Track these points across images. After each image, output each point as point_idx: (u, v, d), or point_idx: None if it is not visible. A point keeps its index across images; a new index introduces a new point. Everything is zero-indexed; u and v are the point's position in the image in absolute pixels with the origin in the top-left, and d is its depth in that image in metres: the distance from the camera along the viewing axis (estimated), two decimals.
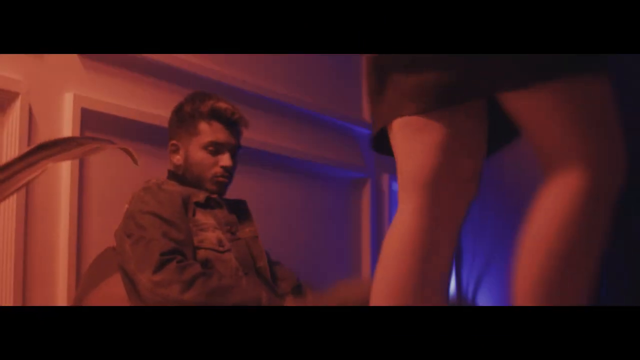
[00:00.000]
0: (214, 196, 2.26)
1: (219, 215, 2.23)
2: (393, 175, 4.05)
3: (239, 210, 2.38)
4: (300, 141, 3.42)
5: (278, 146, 3.25)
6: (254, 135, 3.12)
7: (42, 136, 2.24)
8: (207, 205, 2.23)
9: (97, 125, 2.42)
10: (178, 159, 2.30)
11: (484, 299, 3.90)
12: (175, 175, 2.31)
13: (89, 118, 2.39)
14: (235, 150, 2.31)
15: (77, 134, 2.32)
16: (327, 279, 3.53)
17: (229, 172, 2.28)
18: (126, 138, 2.50)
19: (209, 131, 2.27)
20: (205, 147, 2.27)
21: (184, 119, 2.30)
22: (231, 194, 2.77)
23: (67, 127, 2.30)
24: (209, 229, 2.16)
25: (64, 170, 2.29)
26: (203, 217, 2.17)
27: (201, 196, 2.23)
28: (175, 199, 2.14)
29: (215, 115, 2.26)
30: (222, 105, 2.27)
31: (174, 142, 2.32)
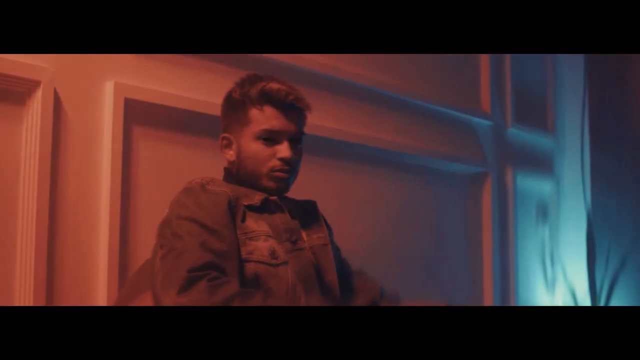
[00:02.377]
0: (273, 198, 1.90)
1: (277, 220, 1.87)
2: (519, 168, 3.68)
3: (306, 213, 2.01)
4: (410, 134, 3.04)
5: (385, 140, 2.87)
6: (360, 130, 2.78)
7: (74, 130, 1.97)
8: (263, 208, 1.87)
9: (142, 118, 2.13)
10: (231, 154, 1.95)
11: (619, 300, 3.53)
12: (230, 173, 1.97)
13: (133, 108, 2.09)
14: (297, 138, 1.94)
15: (120, 126, 2.03)
16: (443, 292, 3.16)
17: (289, 164, 1.90)
18: (178, 130, 2.20)
19: (261, 118, 1.90)
20: (258, 137, 1.90)
21: (234, 107, 1.94)
22: (338, 192, 2.41)
23: (107, 120, 2.02)
24: (261, 238, 1.80)
25: (104, 166, 2.01)
26: (255, 224, 1.82)
27: (256, 198, 1.87)
28: (220, 201, 1.79)
29: (267, 98, 1.90)
30: (274, 86, 1.90)
31: (225, 134, 1.97)
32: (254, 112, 1.90)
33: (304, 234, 1.94)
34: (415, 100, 3.08)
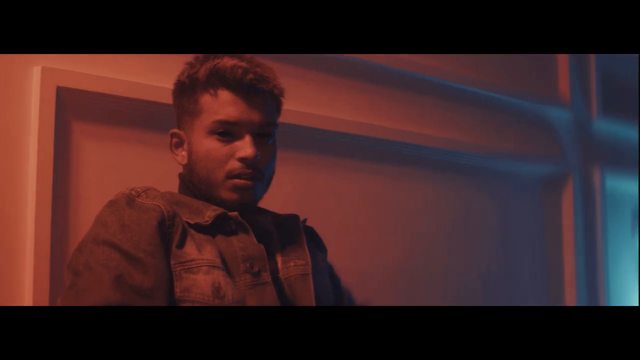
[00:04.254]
0: (233, 214, 1.41)
1: (234, 244, 1.39)
2: (608, 168, 3.05)
3: (287, 232, 1.51)
4: (467, 130, 2.50)
5: (434, 137, 2.36)
6: (415, 128, 2.34)
7: None
8: (216, 228, 1.39)
9: (82, 111, 1.67)
10: (182, 155, 1.48)
11: None
12: (184, 181, 1.50)
13: (69, 100, 1.64)
14: (265, 132, 1.45)
15: (51, 123, 1.58)
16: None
17: (252, 167, 1.41)
18: (129, 125, 1.73)
19: (214, 106, 1.42)
20: (211, 132, 1.42)
21: (183, 93, 1.47)
22: (377, 201, 1.93)
23: (33, 115, 1.57)
24: (202, 269, 1.31)
25: (29, 175, 1.57)
26: (195, 250, 1.34)
27: (207, 214, 1.39)
28: (148, 219, 1.32)
29: (219, 79, 1.41)
30: (228, 62, 1.41)
31: (174, 130, 1.50)
32: (206, 99, 1.43)
33: (278, 261, 1.45)
34: (473, 89, 2.52)
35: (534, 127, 2.83)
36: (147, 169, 1.73)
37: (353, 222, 2.20)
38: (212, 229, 1.38)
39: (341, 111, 2.18)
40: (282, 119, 1.97)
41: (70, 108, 1.63)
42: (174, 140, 1.49)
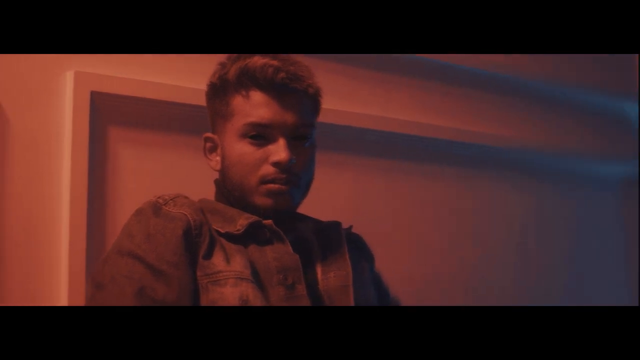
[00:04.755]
0: (267, 222, 1.32)
1: (268, 255, 1.30)
2: None
3: (328, 240, 1.42)
4: (550, 131, 2.34)
5: (495, 136, 2.21)
6: (485, 128, 2.21)
7: (18, 138, 1.48)
8: (249, 237, 1.30)
9: (119, 116, 1.61)
10: (216, 161, 1.40)
11: None
12: (219, 187, 1.42)
13: (105, 105, 1.59)
14: (301, 134, 1.35)
15: (85, 129, 1.53)
16: None
17: (287, 171, 1.32)
18: (168, 130, 1.66)
19: (246, 107, 1.33)
20: (243, 135, 1.34)
21: (215, 95, 1.39)
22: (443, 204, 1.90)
23: (67, 122, 1.52)
24: (229, 282, 1.23)
25: (63, 183, 1.52)
26: (223, 261, 1.25)
27: (239, 222, 1.31)
28: (173, 229, 1.24)
29: (250, 79, 1.32)
30: (259, 61, 1.33)
31: (207, 134, 1.43)
32: (237, 101, 1.35)
33: (318, 272, 1.36)
34: (548, 86, 2.37)
35: (612, 125, 2.67)
36: (185, 175, 1.66)
37: (416, 228, 2.09)
38: (245, 238, 1.30)
39: (397, 111, 2.08)
40: (336, 119, 1.89)
41: (106, 113, 1.58)
42: (208, 144, 1.42)
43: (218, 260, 1.25)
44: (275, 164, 1.31)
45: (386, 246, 1.75)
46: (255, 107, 1.32)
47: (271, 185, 1.32)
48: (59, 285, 1.49)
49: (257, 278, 1.26)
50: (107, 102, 1.57)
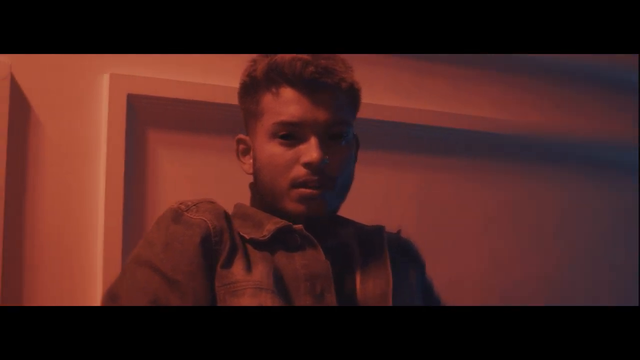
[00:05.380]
0: (298, 227, 1.24)
1: (297, 262, 1.22)
2: None
3: (369, 247, 1.32)
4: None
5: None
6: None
7: (53, 143, 1.46)
8: (277, 243, 1.23)
9: (158, 118, 1.57)
10: (250, 164, 1.33)
11: None
12: (253, 192, 1.36)
13: (143, 108, 1.55)
14: (336, 133, 1.27)
15: (121, 132, 1.50)
16: None
17: (319, 172, 1.24)
18: (208, 131, 1.61)
19: (276, 105, 1.26)
20: (274, 135, 1.26)
21: (246, 94, 1.32)
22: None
23: (103, 125, 1.49)
24: (247, 292, 1.16)
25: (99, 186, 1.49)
26: (242, 269, 1.18)
27: (266, 228, 1.24)
28: (191, 236, 1.18)
29: (279, 75, 1.25)
30: (287, 56, 1.25)
31: (240, 136, 1.36)
32: (267, 99, 1.28)
33: (357, 280, 1.27)
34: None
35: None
36: (226, 178, 1.61)
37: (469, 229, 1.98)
38: (272, 244, 1.23)
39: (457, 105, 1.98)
40: (405, 118, 1.80)
41: (145, 115, 1.55)
42: (241, 146, 1.35)
43: (237, 269, 1.18)
44: (307, 165, 1.24)
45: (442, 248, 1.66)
46: (285, 104, 1.25)
47: (303, 190, 1.24)
48: (95, 293, 1.46)
49: (282, 287, 1.19)
50: (144, 104, 1.54)
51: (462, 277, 1.93)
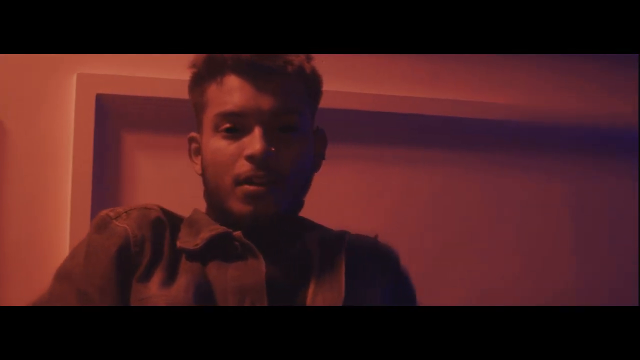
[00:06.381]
0: (237, 234, 1.12)
1: (229, 272, 1.10)
2: None
3: (329, 254, 1.18)
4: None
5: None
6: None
7: (17, 149, 1.41)
8: (213, 251, 1.12)
9: (134, 120, 1.49)
10: (200, 164, 1.21)
11: None
12: (205, 194, 1.24)
13: (115, 108, 1.48)
14: (283, 123, 1.14)
15: (90, 135, 1.43)
16: None
17: (264, 168, 1.11)
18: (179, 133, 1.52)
19: (220, 95, 1.15)
20: (217, 128, 1.15)
21: (194, 86, 1.21)
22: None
23: (70, 127, 1.43)
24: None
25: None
26: (158, 283, 1.08)
27: (199, 236, 1.13)
28: (109, 247, 1.09)
29: (220, 61, 1.15)
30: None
31: (192, 134, 1.24)
32: (212, 89, 1.18)
33: (309, 292, 1.14)
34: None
35: None
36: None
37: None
38: (207, 254, 1.12)
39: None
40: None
41: (120, 117, 1.48)
42: (193, 145, 1.23)
43: (155, 282, 1.08)
44: (250, 158, 1.11)
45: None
46: (228, 93, 1.14)
47: (247, 187, 1.12)
48: None
49: (209, 301, 1.07)
50: (118, 104, 1.47)
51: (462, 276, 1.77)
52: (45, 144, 1.43)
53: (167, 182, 1.51)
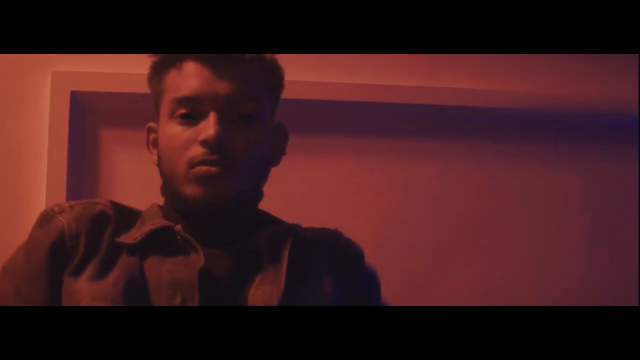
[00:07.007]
0: (177, 227, 1.10)
1: (165, 267, 1.08)
2: None
3: (276, 249, 1.13)
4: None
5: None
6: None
7: None
8: (153, 245, 1.10)
9: (112, 116, 1.48)
10: (157, 154, 1.19)
11: None
12: (162, 186, 1.21)
13: (93, 105, 1.47)
14: (240, 110, 1.12)
15: (64, 133, 1.42)
16: None
17: (218, 152, 1.08)
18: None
19: (177, 80, 1.13)
20: (173, 114, 1.13)
21: (154, 73, 1.18)
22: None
23: (43, 126, 1.43)
24: (83, 302, 1.05)
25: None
26: (87, 278, 1.07)
27: (141, 230, 1.12)
28: (44, 241, 1.10)
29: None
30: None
31: (150, 124, 1.21)
32: (171, 75, 1.16)
33: (253, 286, 1.10)
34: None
35: None
36: None
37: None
38: (146, 248, 1.10)
39: None
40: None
41: (98, 114, 1.47)
42: (151, 136, 1.20)
43: (84, 277, 1.07)
44: (203, 143, 1.08)
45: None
46: (185, 79, 1.12)
47: (199, 168, 1.09)
48: None
49: (142, 296, 1.06)
50: (95, 101, 1.46)
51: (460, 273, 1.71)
52: (21, 142, 1.43)
53: (144, 178, 1.48)
